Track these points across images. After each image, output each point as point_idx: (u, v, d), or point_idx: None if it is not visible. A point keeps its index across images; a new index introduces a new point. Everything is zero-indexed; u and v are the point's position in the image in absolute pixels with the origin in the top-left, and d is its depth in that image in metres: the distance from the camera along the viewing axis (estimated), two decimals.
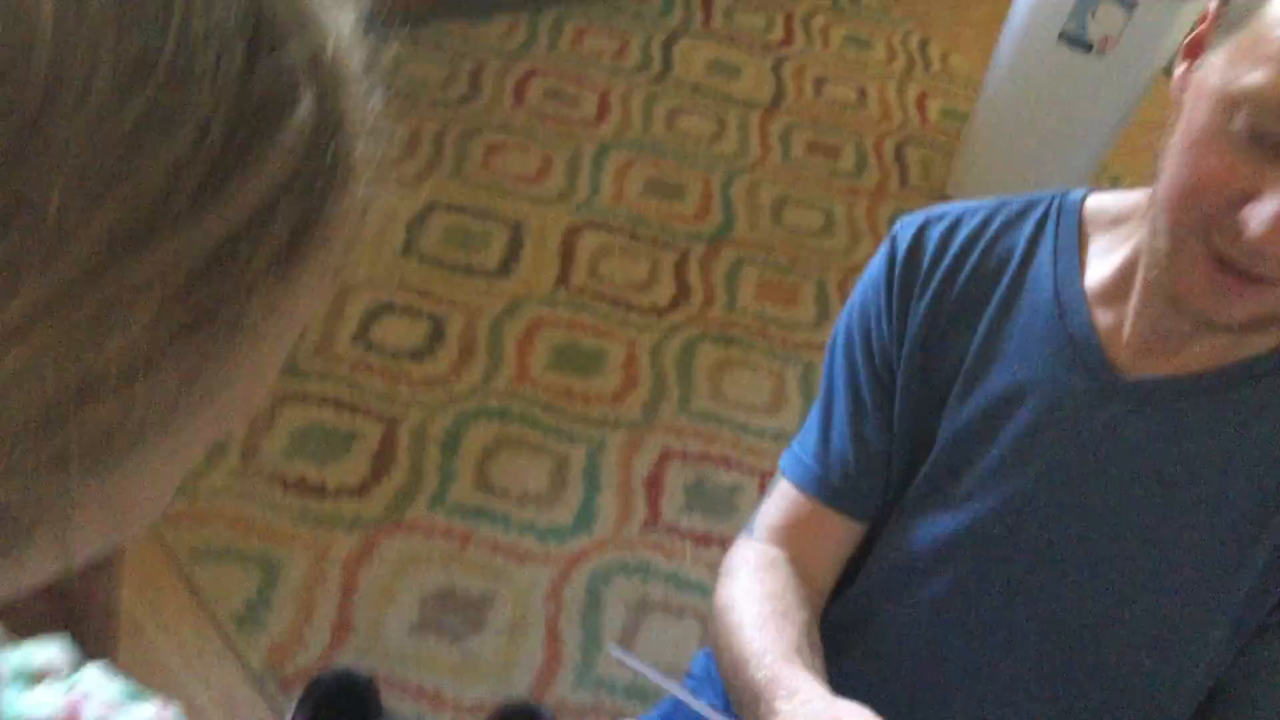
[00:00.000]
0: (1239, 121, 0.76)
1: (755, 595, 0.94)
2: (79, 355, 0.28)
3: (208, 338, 0.31)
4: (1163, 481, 0.89)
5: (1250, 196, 0.76)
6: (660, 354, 2.15)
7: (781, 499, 1.03)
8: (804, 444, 1.03)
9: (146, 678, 1.43)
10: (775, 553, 1.00)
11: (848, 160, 2.71)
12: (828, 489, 1.00)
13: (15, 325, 0.26)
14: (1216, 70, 0.78)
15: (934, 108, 2.97)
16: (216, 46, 0.29)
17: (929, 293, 0.97)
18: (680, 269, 2.32)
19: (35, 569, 0.34)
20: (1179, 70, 0.84)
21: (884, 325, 0.99)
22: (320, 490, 1.78)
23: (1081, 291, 0.93)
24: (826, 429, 1.03)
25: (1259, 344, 0.87)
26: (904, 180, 2.71)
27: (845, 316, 1.04)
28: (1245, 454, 0.87)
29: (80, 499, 0.31)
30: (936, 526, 0.96)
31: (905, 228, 1.01)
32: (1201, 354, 0.88)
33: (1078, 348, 0.91)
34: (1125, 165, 2.96)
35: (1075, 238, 0.95)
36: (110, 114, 0.27)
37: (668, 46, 2.89)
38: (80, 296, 0.27)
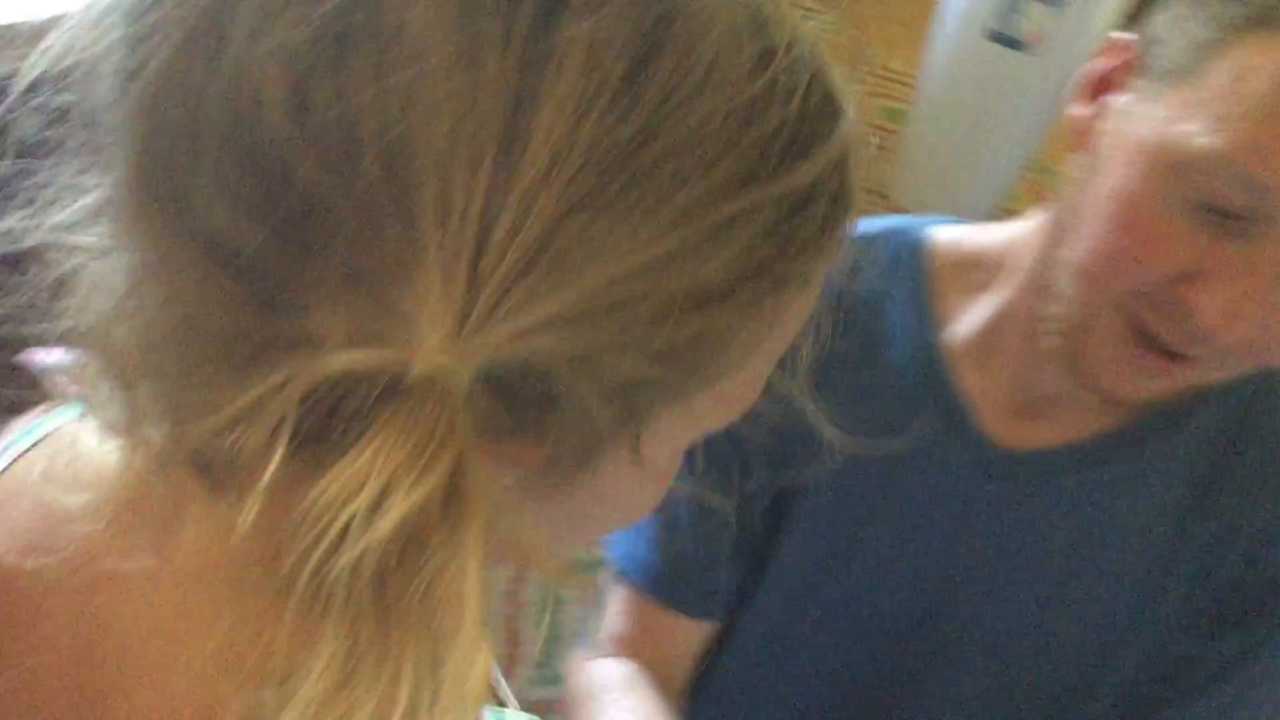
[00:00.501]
0: (1188, 189, 0.67)
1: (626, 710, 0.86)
2: (693, 262, 0.37)
3: (769, 280, 0.39)
4: (1051, 554, 0.84)
5: (1193, 274, 0.68)
6: None
7: (619, 603, 0.93)
8: (644, 530, 0.92)
9: None
10: (627, 669, 0.90)
11: None
12: (664, 583, 0.91)
13: (665, 223, 0.36)
14: (1151, 125, 0.69)
15: (875, 106, 3.03)
16: (807, 48, 0.40)
17: None
18: None
19: (607, 483, 0.43)
20: (1079, 109, 0.75)
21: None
22: None
23: (942, 353, 0.85)
24: (655, 523, 0.92)
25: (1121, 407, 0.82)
26: None
27: None
28: (1137, 518, 0.83)
29: (656, 404, 0.41)
30: (822, 605, 0.90)
31: None
32: (1079, 419, 0.83)
33: (949, 418, 0.84)
34: (1059, 158, 3.04)
35: (922, 285, 0.86)
36: (744, 86, 0.37)
37: None
38: (704, 215, 0.36)
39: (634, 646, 0.91)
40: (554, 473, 0.42)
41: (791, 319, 0.44)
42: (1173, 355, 0.70)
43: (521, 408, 0.37)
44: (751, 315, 0.40)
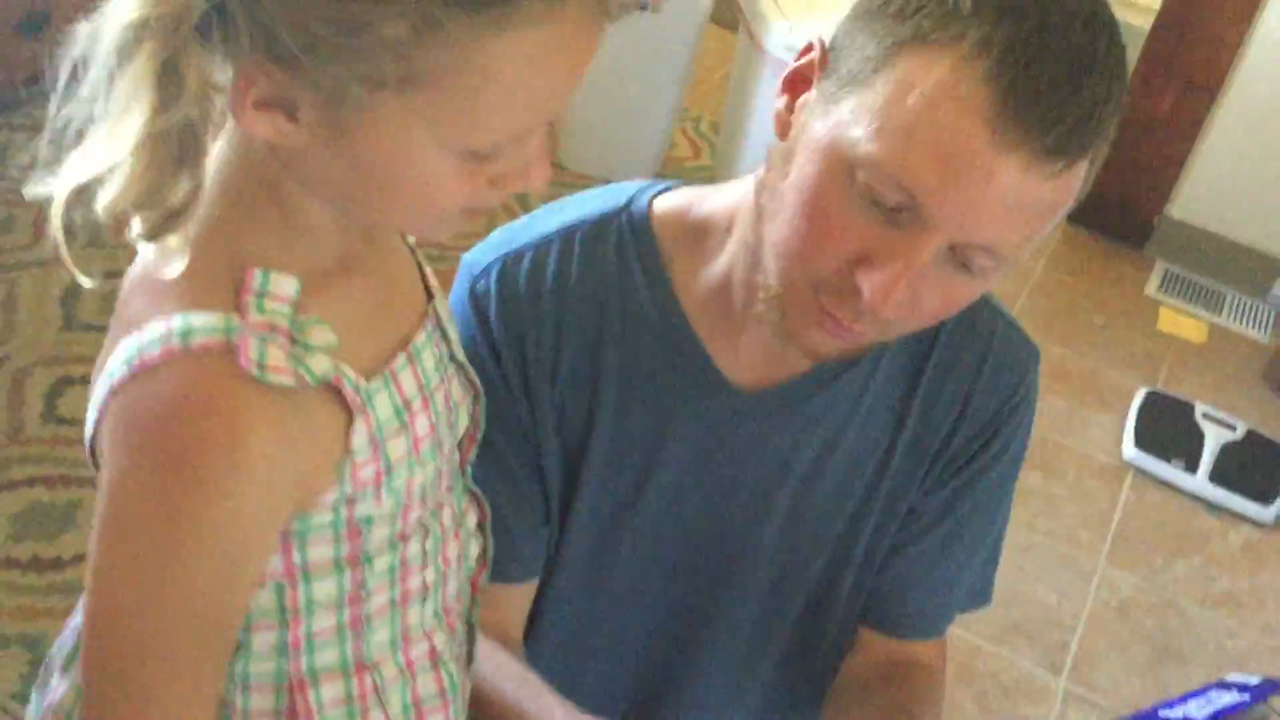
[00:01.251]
0: (856, 183, 0.77)
1: (481, 675, 0.94)
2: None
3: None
4: (800, 468, 0.98)
5: (864, 259, 0.78)
6: None
7: None
8: None
9: None
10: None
11: None
12: (498, 570, 0.94)
13: None
14: (830, 126, 0.78)
15: None
16: None
17: (544, 347, 0.94)
18: None
19: (359, 149, 0.61)
20: (779, 103, 0.85)
21: (508, 395, 0.94)
22: (58, 563, 1.83)
23: (685, 321, 0.94)
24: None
25: None
26: None
27: None
28: (860, 424, 0.97)
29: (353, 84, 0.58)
30: (622, 547, 1.01)
31: (482, 277, 0.95)
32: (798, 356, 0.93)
33: (701, 375, 0.94)
34: (703, 104, 3.33)
35: (657, 260, 0.94)
36: None
37: None
38: None
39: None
40: (313, 122, 0.59)
41: (504, 59, 0.58)
42: (851, 324, 0.82)
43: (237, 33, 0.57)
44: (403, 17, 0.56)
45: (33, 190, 0.61)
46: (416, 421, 0.72)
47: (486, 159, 0.63)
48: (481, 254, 0.96)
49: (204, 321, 0.62)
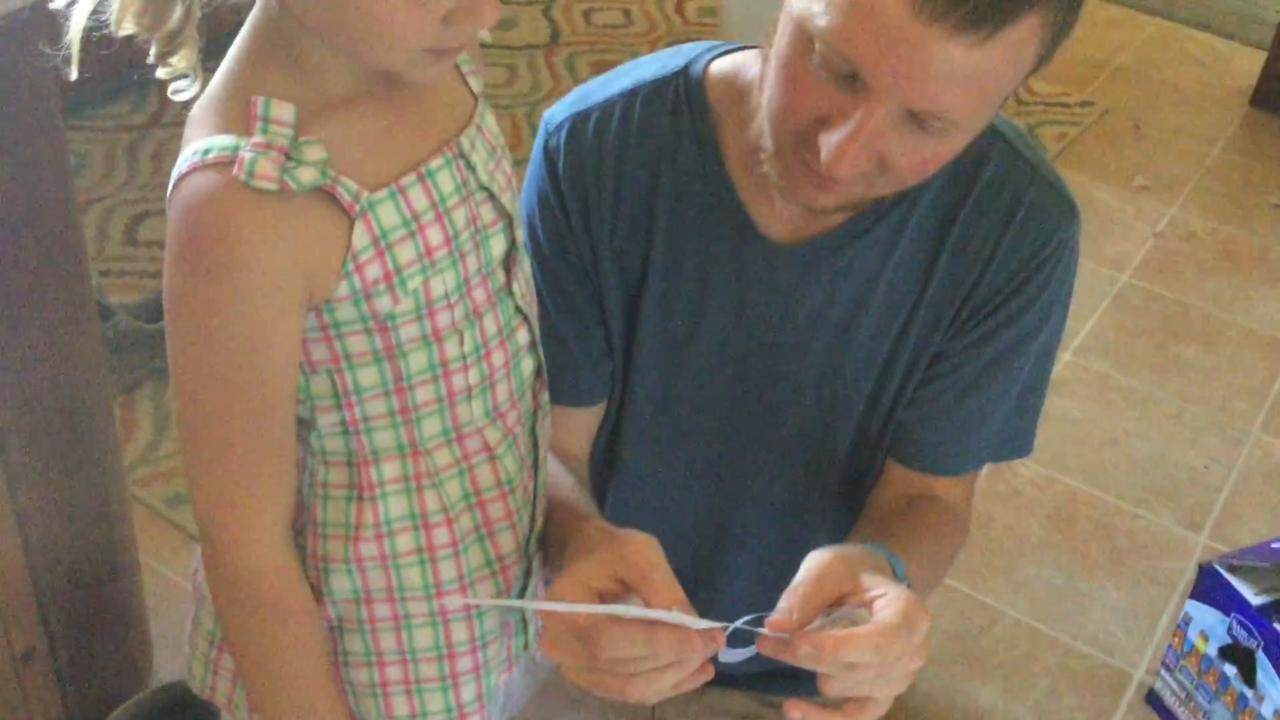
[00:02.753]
0: (816, 53, 0.85)
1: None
2: None
3: None
4: (835, 312, 1.05)
5: (824, 121, 0.87)
6: None
7: None
8: None
9: (176, 610, 1.74)
10: None
11: None
12: (556, 392, 1.04)
13: None
14: (799, 1, 0.86)
15: (690, 9, 3.35)
16: None
17: (605, 197, 1.04)
18: None
19: None
20: None
21: (572, 238, 1.05)
22: None
23: (728, 177, 1.02)
24: (545, 329, 1.08)
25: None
26: None
27: (525, 228, 1.07)
28: (892, 272, 1.04)
29: None
30: (681, 379, 1.10)
31: (555, 133, 1.05)
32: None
33: (741, 230, 1.03)
34: None
35: (707, 120, 1.03)
36: None
37: None
38: None
39: None
40: None
41: None
42: (830, 179, 0.89)
43: None
44: None
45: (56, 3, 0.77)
46: (428, 231, 0.82)
47: None
48: (557, 111, 1.07)
49: (220, 142, 0.75)
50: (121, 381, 2.10)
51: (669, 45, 3.14)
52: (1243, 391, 2.38)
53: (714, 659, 0.83)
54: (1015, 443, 1.15)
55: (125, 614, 1.50)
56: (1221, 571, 1.64)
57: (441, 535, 0.91)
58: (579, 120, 1.05)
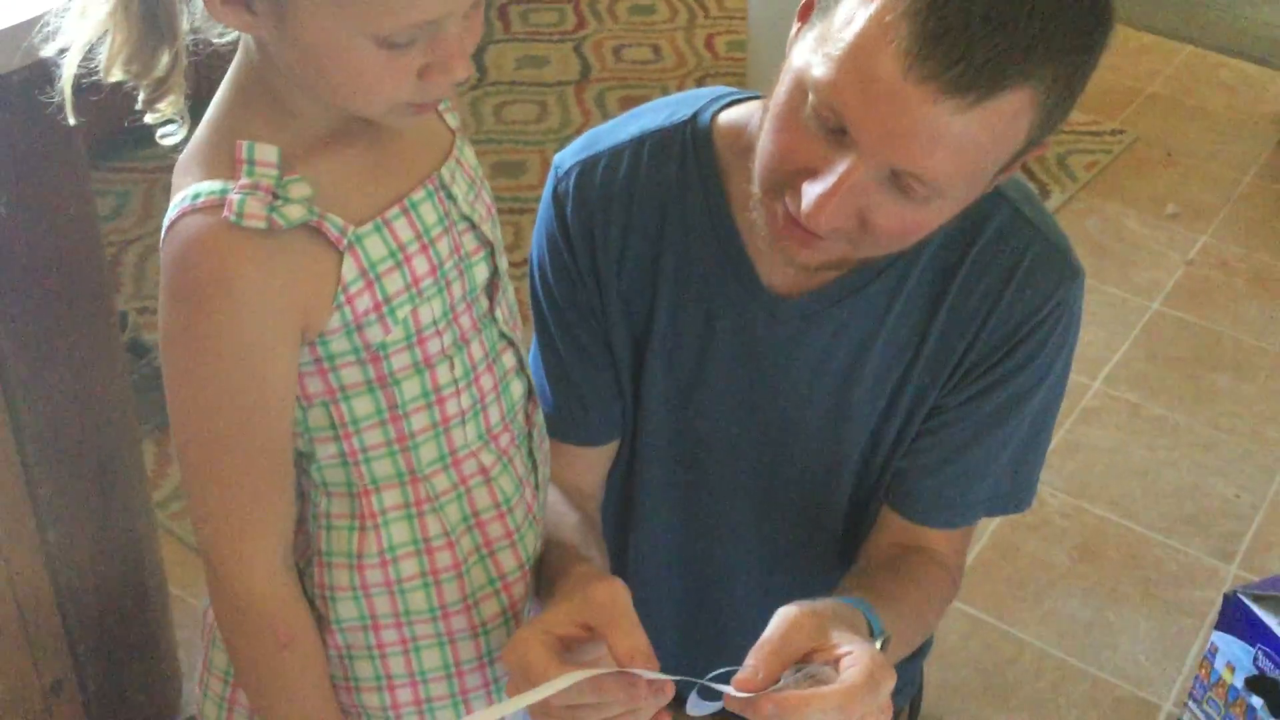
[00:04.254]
0: (809, 105, 0.86)
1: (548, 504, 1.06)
2: None
3: None
4: (833, 366, 1.06)
5: (809, 172, 0.87)
6: None
7: None
8: (534, 382, 1.09)
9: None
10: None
11: None
12: (554, 426, 1.08)
13: None
14: (800, 52, 0.88)
15: (720, 43, 3.38)
16: None
17: (612, 242, 1.05)
18: None
19: (304, 39, 0.74)
20: (794, 29, 0.92)
21: (580, 280, 1.07)
22: None
23: (733, 226, 1.03)
24: (541, 371, 1.12)
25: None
26: None
27: (535, 269, 1.10)
28: (889, 330, 1.04)
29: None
30: (685, 420, 1.11)
31: (564, 178, 1.07)
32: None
33: (746, 281, 1.04)
34: None
35: (714, 169, 1.03)
36: None
37: (479, 57, 3.28)
38: None
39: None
40: (265, 12, 0.73)
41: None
42: (811, 233, 0.89)
43: None
44: None
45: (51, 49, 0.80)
46: (414, 261, 0.84)
47: (402, 48, 0.74)
48: (566, 156, 1.09)
49: (208, 187, 0.78)
50: (156, 418, 2.14)
51: (698, 81, 3.24)
52: (1274, 420, 2.36)
53: (685, 711, 0.84)
54: (1011, 499, 1.14)
55: (154, 646, 1.53)
56: (1247, 602, 1.63)
57: (444, 558, 0.93)
58: (588, 165, 1.06)
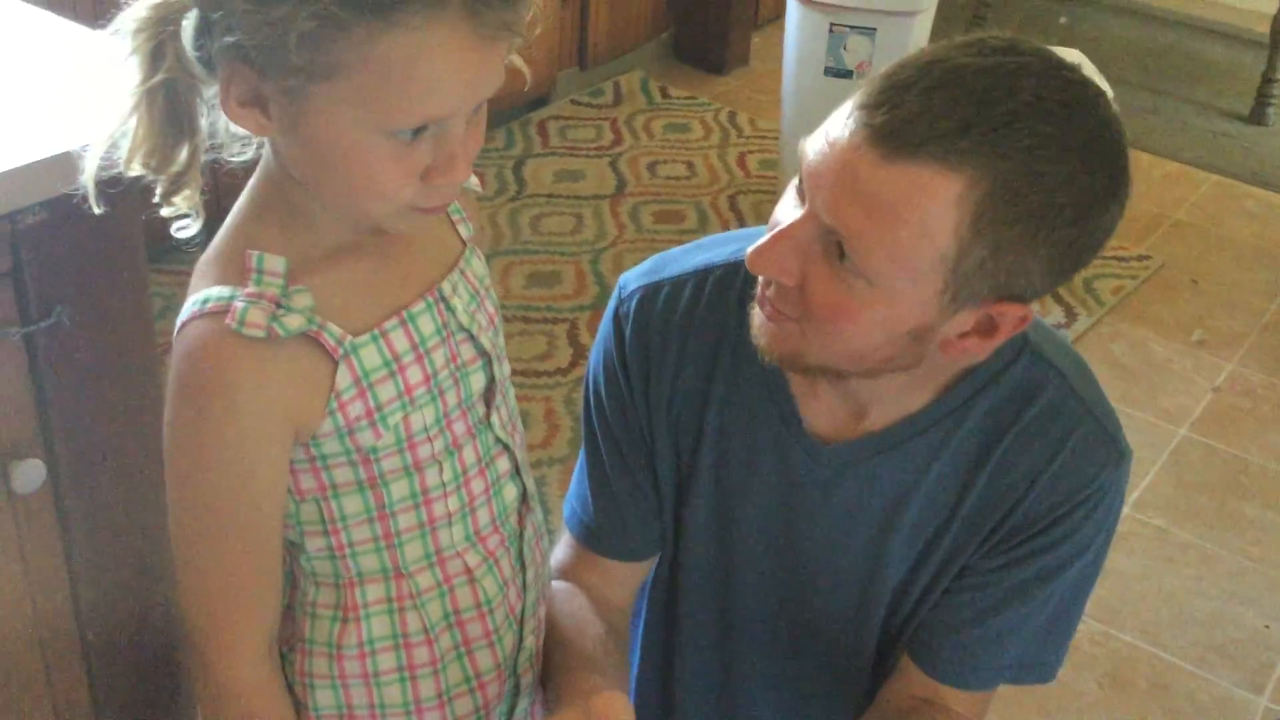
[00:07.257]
0: (794, 189, 0.93)
1: (562, 613, 1.09)
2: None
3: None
4: (871, 513, 1.06)
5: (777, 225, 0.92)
6: (573, 403, 2.54)
7: (564, 542, 1.17)
8: (578, 492, 1.15)
9: None
10: (567, 585, 1.13)
11: (691, 220, 3.17)
12: (592, 537, 1.12)
13: None
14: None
15: (753, 161, 3.45)
16: None
17: (666, 369, 1.07)
18: (572, 334, 2.74)
19: (313, 136, 0.77)
20: None
21: (632, 402, 1.08)
22: None
23: (783, 374, 1.04)
24: (586, 483, 1.14)
25: (913, 403, 1.02)
26: (742, 224, 3.17)
27: (590, 383, 1.12)
28: (930, 483, 1.04)
29: (292, 78, 0.74)
30: (721, 554, 1.12)
31: (627, 300, 1.09)
32: (875, 418, 1.03)
33: (788, 423, 1.05)
34: None
35: None
36: None
37: (518, 170, 3.36)
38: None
39: (575, 574, 1.15)
40: (279, 115, 0.76)
41: (396, 53, 0.72)
42: (769, 311, 0.94)
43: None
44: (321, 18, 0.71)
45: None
46: (408, 371, 0.88)
47: (410, 144, 0.77)
48: (631, 279, 1.11)
49: (217, 292, 0.82)
50: None
51: (730, 198, 3.30)
52: None
53: None
54: (1035, 669, 1.12)
55: (174, 676, 1.53)
56: None
57: (422, 654, 0.95)
58: (650, 290, 1.08)
